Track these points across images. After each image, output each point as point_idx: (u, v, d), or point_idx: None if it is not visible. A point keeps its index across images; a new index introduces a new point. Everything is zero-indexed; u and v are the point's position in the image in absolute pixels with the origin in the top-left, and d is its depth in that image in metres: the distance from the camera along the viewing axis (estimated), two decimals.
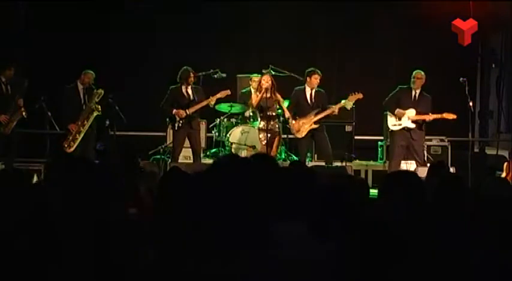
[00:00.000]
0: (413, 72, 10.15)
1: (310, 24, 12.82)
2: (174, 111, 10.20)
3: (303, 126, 10.27)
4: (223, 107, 11.11)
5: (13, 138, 9.95)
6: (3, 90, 9.87)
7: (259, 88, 10.52)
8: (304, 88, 10.38)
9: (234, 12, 12.66)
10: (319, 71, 10.30)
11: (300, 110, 10.38)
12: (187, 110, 10.16)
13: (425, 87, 10.24)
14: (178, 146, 10.32)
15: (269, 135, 10.45)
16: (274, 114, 10.68)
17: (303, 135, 10.30)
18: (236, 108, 11.21)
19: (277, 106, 10.65)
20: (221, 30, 12.68)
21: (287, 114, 10.43)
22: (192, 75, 10.23)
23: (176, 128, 10.28)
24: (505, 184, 4.60)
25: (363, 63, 12.44)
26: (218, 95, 10.33)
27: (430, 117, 10.02)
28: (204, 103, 10.26)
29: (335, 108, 10.32)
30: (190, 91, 10.28)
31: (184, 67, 10.30)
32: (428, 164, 8.84)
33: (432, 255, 3.30)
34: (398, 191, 3.58)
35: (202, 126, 11.20)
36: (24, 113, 9.85)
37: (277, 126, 10.72)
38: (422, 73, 10.12)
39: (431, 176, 5.44)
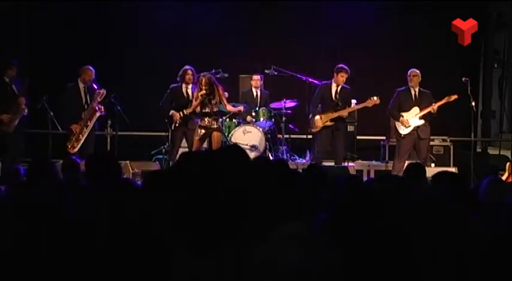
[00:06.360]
0: (409, 71, 10.14)
1: (311, 25, 12.82)
2: (171, 112, 10.18)
3: (319, 122, 10.26)
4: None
5: (17, 138, 9.96)
6: (7, 89, 9.89)
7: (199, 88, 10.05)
8: (331, 84, 10.36)
9: (236, 12, 12.68)
10: (347, 69, 10.28)
11: (323, 105, 10.38)
12: (184, 110, 10.11)
13: (428, 87, 10.24)
14: (175, 145, 10.29)
15: (204, 131, 10.00)
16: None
17: (318, 130, 10.29)
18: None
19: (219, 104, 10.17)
20: (223, 30, 12.70)
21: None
22: (189, 73, 10.19)
23: (173, 128, 10.27)
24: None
25: (364, 63, 12.43)
26: None
27: (434, 106, 9.98)
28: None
29: (343, 114, 10.36)
30: (190, 91, 10.26)
31: (185, 66, 10.30)
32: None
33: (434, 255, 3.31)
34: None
35: None
36: (25, 111, 9.86)
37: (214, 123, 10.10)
38: (417, 71, 10.12)
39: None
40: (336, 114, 10.28)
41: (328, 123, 10.29)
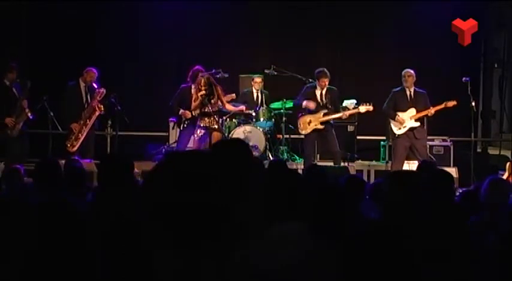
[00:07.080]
0: (403, 72, 10.12)
1: (311, 25, 12.81)
2: (181, 111, 10.20)
3: (310, 124, 10.25)
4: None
5: (22, 140, 9.97)
6: (8, 93, 9.90)
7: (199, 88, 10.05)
8: (315, 86, 10.34)
9: (236, 12, 12.67)
10: (326, 73, 10.20)
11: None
12: (193, 112, 10.12)
13: (428, 87, 10.23)
14: (183, 145, 10.31)
15: (204, 131, 10.07)
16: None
17: (308, 132, 10.29)
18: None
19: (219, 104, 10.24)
20: (223, 30, 12.69)
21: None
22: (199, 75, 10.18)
23: (182, 128, 10.31)
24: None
25: (364, 63, 12.43)
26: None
27: (431, 110, 9.97)
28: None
29: (345, 114, 10.34)
30: None
31: (196, 66, 10.28)
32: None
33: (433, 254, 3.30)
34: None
35: None
36: (29, 114, 9.88)
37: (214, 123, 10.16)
38: (412, 71, 10.10)
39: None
40: (326, 118, 10.24)
41: (319, 126, 10.27)
